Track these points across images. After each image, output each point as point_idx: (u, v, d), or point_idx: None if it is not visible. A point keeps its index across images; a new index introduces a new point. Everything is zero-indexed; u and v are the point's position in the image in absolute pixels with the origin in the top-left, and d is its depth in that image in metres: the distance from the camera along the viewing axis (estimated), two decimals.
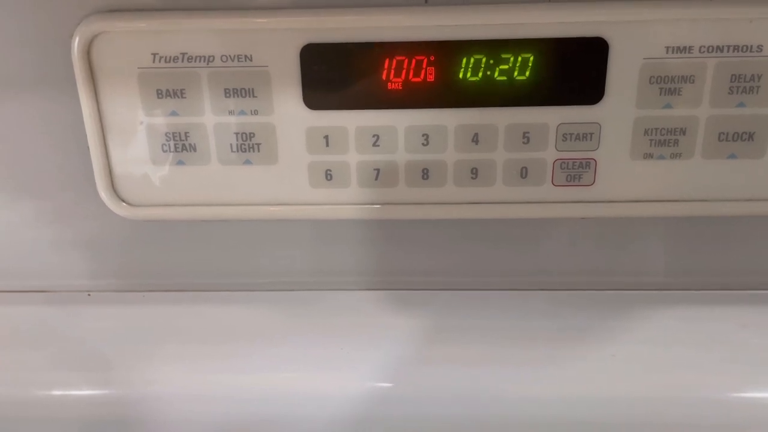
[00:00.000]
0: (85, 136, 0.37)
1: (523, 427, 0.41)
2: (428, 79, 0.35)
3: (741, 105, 0.34)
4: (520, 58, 0.34)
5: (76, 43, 0.34)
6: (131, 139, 0.37)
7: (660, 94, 0.34)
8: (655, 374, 0.41)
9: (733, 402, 0.41)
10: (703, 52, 0.34)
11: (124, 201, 0.38)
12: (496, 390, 0.44)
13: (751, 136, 0.35)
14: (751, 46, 0.33)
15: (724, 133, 0.35)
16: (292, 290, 0.43)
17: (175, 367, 0.45)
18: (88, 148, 0.37)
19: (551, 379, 0.42)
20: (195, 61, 0.35)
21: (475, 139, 0.36)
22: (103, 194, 0.38)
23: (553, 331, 0.42)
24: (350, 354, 0.44)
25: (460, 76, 0.35)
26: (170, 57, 0.35)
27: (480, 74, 0.35)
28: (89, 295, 0.46)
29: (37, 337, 0.47)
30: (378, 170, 0.37)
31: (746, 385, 0.41)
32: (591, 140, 0.36)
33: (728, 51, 0.33)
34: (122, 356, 0.47)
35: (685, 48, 0.33)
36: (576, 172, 0.36)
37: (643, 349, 0.42)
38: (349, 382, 0.45)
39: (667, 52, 0.34)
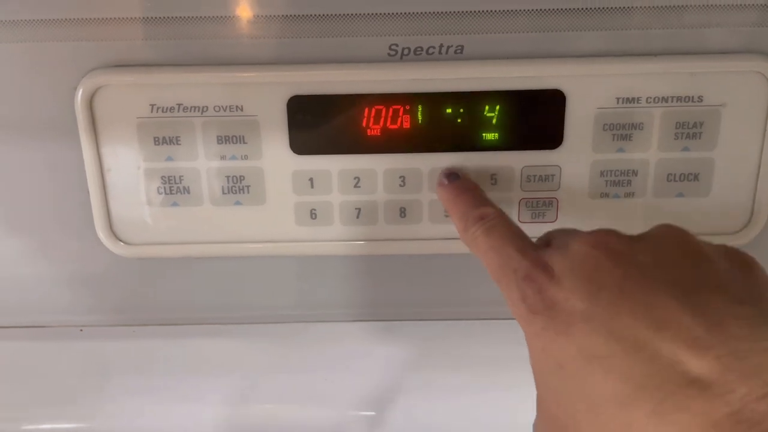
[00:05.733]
0: (86, 179, 0.39)
1: None
2: (404, 127, 0.38)
3: (686, 149, 0.38)
4: (487, 108, 0.37)
5: (79, 94, 0.37)
6: (129, 182, 0.39)
7: (613, 140, 0.38)
8: None
9: None
10: (650, 102, 0.37)
11: (120, 240, 0.40)
12: (479, 417, 0.45)
13: (696, 177, 0.39)
14: (693, 97, 0.37)
15: (672, 175, 0.38)
16: (280, 323, 0.44)
17: (165, 399, 0.47)
18: (87, 190, 0.39)
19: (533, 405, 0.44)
20: (190, 111, 0.37)
21: None
22: (101, 234, 0.40)
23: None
24: (334, 383, 0.46)
25: (433, 123, 0.38)
26: (167, 107, 0.37)
27: (450, 122, 0.38)
28: (81, 330, 0.47)
29: (28, 372, 0.48)
30: (359, 209, 0.40)
31: None
32: (552, 181, 0.39)
33: (672, 101, 0.37)
34: (113, 390, 0.48)
35: (634, 99, 0.37)
36: (540, 210, 0.39)
37: None
38: (334, 411, 0.47)
39: (618, 103, 0.37)
